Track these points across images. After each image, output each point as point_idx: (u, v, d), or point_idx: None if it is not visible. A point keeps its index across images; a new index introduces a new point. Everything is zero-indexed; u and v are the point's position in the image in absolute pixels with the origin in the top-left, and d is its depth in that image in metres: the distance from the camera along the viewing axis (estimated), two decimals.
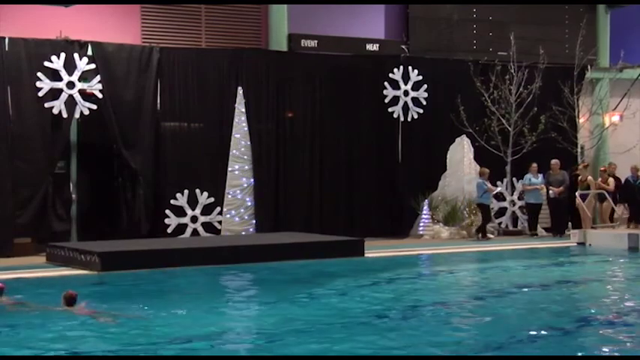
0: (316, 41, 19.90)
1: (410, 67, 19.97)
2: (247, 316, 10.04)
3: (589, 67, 21.78)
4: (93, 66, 16.80)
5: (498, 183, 20.78)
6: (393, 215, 19.79)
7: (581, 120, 21.79)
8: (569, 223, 20.34)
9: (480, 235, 19.22)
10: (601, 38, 23.22)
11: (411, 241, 19.05)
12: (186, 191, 17.61)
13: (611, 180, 20.49)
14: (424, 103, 20.05)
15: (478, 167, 20.44)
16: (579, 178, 20.08)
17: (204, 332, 8.61)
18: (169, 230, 17.46)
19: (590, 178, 20.18)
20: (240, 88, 18.21)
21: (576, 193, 19.79)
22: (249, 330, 9.02)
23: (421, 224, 19.69)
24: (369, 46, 20.53)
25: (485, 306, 10.45)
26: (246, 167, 18.23)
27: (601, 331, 8.72)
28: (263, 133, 18.44)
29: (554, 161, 20.02)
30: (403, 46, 20.74)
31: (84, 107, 16.69)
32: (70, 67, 16.60)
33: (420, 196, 19.71)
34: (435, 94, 20.11)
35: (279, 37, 19.48)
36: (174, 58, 17.73)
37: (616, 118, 22.42)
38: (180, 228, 17.57)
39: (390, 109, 19.72)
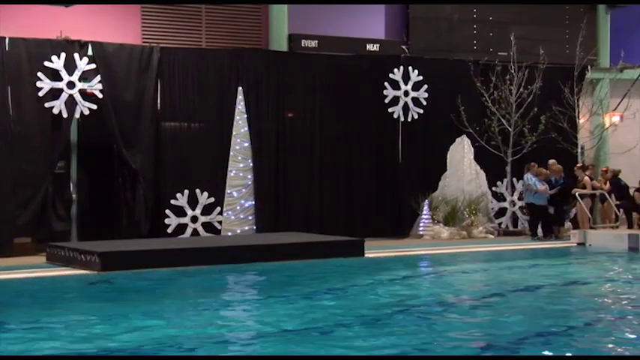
0: (316, 41, 19.90)
1: (410, 68, 19.97)
2: (246, 316, 10.03)
3: (589, 67, 21.78)
4: (93, 66, 16.81)
5: (498, 183, 20.81)
6: (393, 215, 19.78)
7: (582, 120, 21.80)
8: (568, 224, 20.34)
9: (542, 235, 19.15)
10: (601, 38, 23.23)
11: (411, 241, 19.06)
12: (186, 191, 17.61)
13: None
14: (424, 103, 20.05)
15: (478, 167, 20.48)
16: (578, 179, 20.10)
17: (199, 332, 8.62)
18: (169, 230, 17.47)
19: (584, 178, 20.14)
20: (240, 88, 18.21)
21: (577, 194, 19.80)
22: (246, 330, 9.00)
23: (421, 224, 19.69)
24: (370, 46, 20.52)
25: (485, 306, 10.44)
26: (247, 167, 18.24)
27: (601, 332, 8.72)
28: (263, 133, 18.44)
29: (551, 161, 19.98)
30: (403, 47, 20.75)
31: (84, 107, 16.70)
32: (70, 67, 16.60)
33: (420, 196, 19.72)
34: (435, 95, 20.10)
35: (279, 37, 19.48)
36: (174, 58, 17.73)
37: (616, 119, 22.44)
38: (181, 228, 17.58)
39: (390, 110, 19.72)
